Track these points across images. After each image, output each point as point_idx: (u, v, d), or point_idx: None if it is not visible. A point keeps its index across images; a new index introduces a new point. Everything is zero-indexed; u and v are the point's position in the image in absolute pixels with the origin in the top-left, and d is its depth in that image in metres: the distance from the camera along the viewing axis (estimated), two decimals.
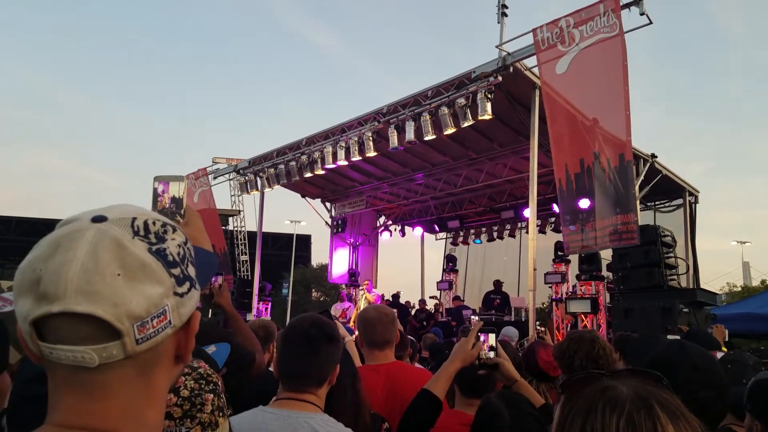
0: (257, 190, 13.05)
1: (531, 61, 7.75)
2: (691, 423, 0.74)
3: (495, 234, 14.71)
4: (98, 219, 0.64)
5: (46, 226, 35.37)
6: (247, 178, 13.10)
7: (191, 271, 0.70)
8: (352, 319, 12.16)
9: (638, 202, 6.90)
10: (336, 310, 13.09)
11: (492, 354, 1.98)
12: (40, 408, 1.04)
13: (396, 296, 14.10)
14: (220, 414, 1.35)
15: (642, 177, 9.23)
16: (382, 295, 14.12)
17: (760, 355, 3.91)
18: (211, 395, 1.35)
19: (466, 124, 8.39)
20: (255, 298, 13.20)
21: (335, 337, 1.74)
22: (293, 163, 11.74)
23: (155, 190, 1.28)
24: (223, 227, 16.95)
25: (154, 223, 0.67)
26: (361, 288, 13.31)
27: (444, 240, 17.01)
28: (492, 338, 2.01)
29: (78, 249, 0.61)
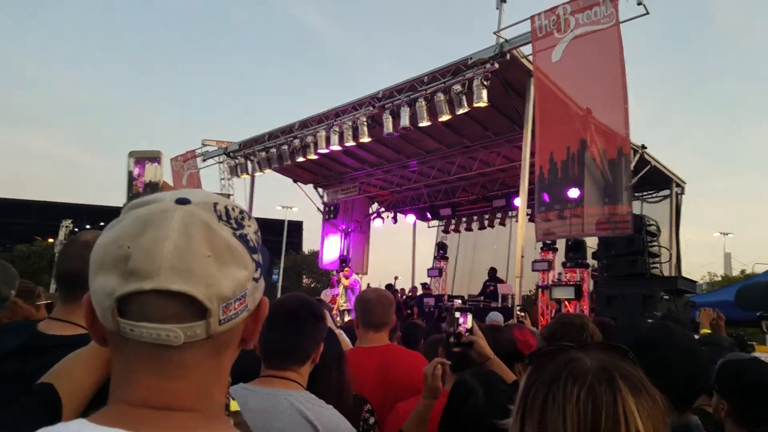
0: (248, 173, 12.99)
1: (528, 49, 7.79)
2: (652, 395, 0.74)
3: (486, 222, 14.85)
4: (183, 201, 0.65)
5: (24, 207, 34.54)
6: (237, 161, 12.98)
7: (261, 258, 0.71)
8: (336, 306, 12.33)
9: (626, 191, 7.02)
10: (326, 296, 13.22)
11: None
12: (23, 384, 1.03)
13: (388, 286, 14.27)
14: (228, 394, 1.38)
15: (631, 167, 9.37)
16: (368, 283, 14.34)
17: (738, 343, 4.05)
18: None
19: (461, 111, 8.43)
20: None
21: (320, 316, 1.75)
22: (285, 147, 11.67)
23: (130, 173, 1.24)
24: None
25: (233, 209, 0.69)
26: (342, 272, 13.49)
27: (436, 227, 17.13)
28: (470, 318, 2.10)
29: (170, 228, 0.61)
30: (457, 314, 2.09)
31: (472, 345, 2.03)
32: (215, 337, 0.64)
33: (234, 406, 1.26)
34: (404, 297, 13.90)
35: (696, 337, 3.39)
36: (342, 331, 3.09)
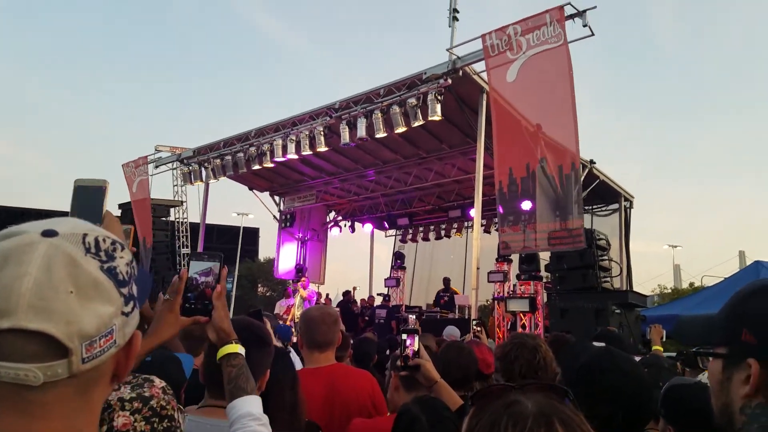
0: (201, 181, 12.71)
1: (479, 66, 7.93)
2: None
3: (443, 232, 14.94)
4: (49, 233, 0.62)
5: None
6: (191, 168, 12.71)
7: (135, 290, 0.70)
8: (290, 317, 12.12)
9: (576, 205, 7.19)
10: (280, 306, 12.97)
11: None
12: None
13: (346, 293, 14.13)
14: None
15: (580, 180, 9.61)
16: (319, 293, 14.18)
17: (687, 362, 4.15)
18: None
19: (416, 124, 8.49)
20: None
21: (266, 342, 1.71)
22: (241, 154, 11.48)
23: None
24: (164, 218, 16.31)
25: (104, 240, 0.66)
26: (299, 282, 13.29)
27: (393, 237, 17.12)
28: (416, 340, 2.05)
29: (31, 263, 0.59)
30: (404, 336, 2.05)
31: (419, 368, 2.00)
32: (80, 375, 0.61)
33: (235, 348, 1.35)
34: (362, 308, 13.80)
35: (637, 359, 3.46)
36: (280, 344, 2.99)
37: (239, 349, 1.39)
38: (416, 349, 2.03)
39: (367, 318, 12.99)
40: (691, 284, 28.57)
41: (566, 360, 2.74)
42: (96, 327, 0.61)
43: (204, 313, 1.36)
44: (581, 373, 1.86)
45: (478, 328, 6.12)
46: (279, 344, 3.53)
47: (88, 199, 1.23)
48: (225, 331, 1.39)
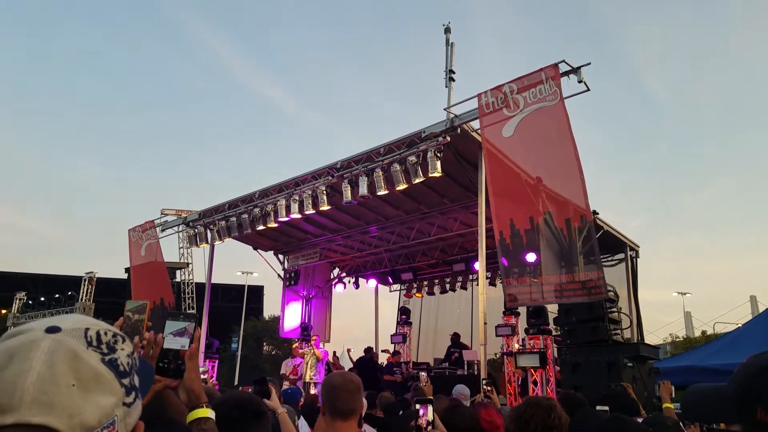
0: (207, 243, 12.78)
1: (478, 123, 8.08)
2: None
3: (447, 286, 14.84)
4: (52, 330, 0.66)
5: None
6: (196, 230, 12.83)
7: (137, 380, 0.72)
8: (298, 377, 11.84)
9: (582, 256, 7.15)
10: (287, 366, 12.74)
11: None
12: None
13: (368, 349, 13.85)
14: None
15: (585, 233, 9.59)
16: (334, 352, 13.96)
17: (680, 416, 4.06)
18: None
19: (417, 181, 8.59)
20: (201, 356, 12.69)
21: (261, 413, 1.74)
22: (245, 215, 11.62)
23: (128, 316, 1.48)
24: (170, 280, 16.38)
25: (105, 334, 0.69)
26: (311, 342, 13.07)
27: (398, 292, 16.98)
28: (430, 411, 2.01)
29: (34, 359, 0.62)
30: (417, 405, 2.00)
31: None
32: None
33: (205, 413, 1.33)
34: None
35: (639, 420, 3.38)
36: (285, 410, 2.94)
37: (209, 413, 1.36)
38: (430, 420, 1.99)
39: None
40: (704, 332, 28.00)
41: (575, 427, 2.70)
42: (98, 418, 0.62)
43: (175, 375, 1.34)
44: None
45: (489, 388, 5.95)
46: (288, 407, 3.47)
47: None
48: (195, 393, 1.36)
